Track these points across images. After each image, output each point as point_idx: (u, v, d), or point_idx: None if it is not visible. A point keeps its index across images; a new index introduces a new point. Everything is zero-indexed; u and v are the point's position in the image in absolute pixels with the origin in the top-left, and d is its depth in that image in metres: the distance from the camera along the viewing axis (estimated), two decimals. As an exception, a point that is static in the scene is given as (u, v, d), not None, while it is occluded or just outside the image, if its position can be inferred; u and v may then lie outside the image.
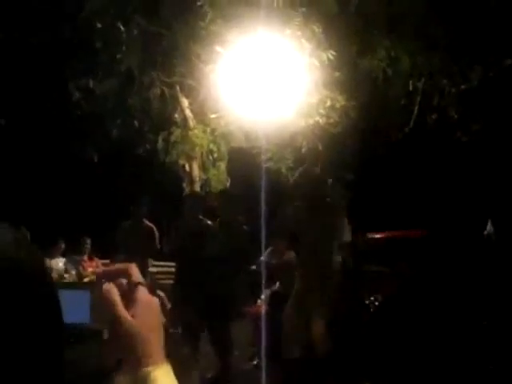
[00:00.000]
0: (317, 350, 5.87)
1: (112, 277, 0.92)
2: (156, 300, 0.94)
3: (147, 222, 8.24)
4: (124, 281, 0.92)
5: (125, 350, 0.88)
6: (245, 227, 6.66)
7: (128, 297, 0.90)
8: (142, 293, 0.91)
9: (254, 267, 7.51)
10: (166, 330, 0.95)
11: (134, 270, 0.93)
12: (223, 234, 6.47)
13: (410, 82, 9.37)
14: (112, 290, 0.89)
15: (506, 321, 6.54)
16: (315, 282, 5.97)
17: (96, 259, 10.54)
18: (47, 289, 0.86)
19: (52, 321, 0.84)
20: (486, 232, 7.59)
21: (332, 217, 6.16)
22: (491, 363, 6.26)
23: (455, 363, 6.30)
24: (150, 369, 0.87)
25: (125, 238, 7.93)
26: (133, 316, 0.89)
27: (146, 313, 0.90)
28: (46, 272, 0.88)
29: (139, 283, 0.92)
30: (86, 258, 10.40)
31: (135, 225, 8.12)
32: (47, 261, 9.76)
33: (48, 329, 0.83)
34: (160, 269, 10.44)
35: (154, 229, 8.23)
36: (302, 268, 6.26)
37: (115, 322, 0.88)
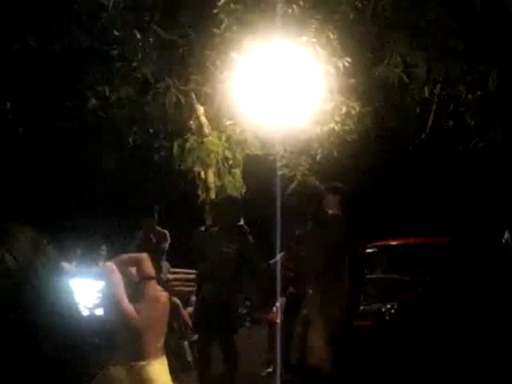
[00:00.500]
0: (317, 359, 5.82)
1: (123, 265, 0.91)
2: (164, 295, 0.93)
3: (160, 229, 8.31)
4: (135, 271, 0.92)
5: (122, 342, 0.88)
6: (247, 234, 6.61)
7: (135, 289, 0.90)
8: (151, 286, 0.91)
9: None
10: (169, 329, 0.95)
11: (146, 262, 0.93)
12: (224, 239, 6.45)
13: (426, 88, 9.32)
14: (118, 281, 0.89)
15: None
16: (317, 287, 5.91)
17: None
18: (60, 289, 0.88)
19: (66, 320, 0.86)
20: (503, 240, 7.52)
21: (328, 225, 6.06)
22: (509, 370, 6.19)
23: (472, 370, 6.25)
24: (144, 363, 0.87)
25: (139, 248, 7.95)
26: (136, 309, 0.89)
27: (151, 307, 0.90)
28: (59, 271, 0.91)
29: (149, 277, 0.91)
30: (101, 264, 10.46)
31: (149, 233, 8.18)
32: (65, 265, 9.83)
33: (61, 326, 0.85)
34: (176, 276, 10.44)
35: (167, 234, 8.32)
36: (305, 273, 6.19)
37: (117, 313, 0.88)
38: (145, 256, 0.93)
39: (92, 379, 0.88)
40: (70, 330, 0.87)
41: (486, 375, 6.17)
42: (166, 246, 8.28)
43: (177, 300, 9.44)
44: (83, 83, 10.01)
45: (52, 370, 0.83)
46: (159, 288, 0.92)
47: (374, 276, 8.05)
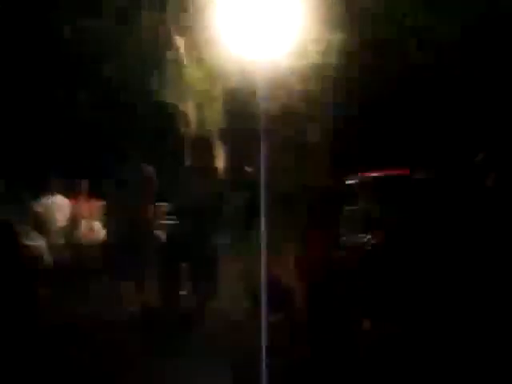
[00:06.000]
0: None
1: None
2: None
3: (146, 166, 8.03)
4: None
5: None
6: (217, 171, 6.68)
7: None
8: None
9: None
10: None
11: None
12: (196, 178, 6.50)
13: (409, 18, 9.19)
14: None
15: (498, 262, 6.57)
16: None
17: (93, 200, 10.49)
18: None
19: None
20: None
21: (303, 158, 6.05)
22: (486, 305, 6.31)
23: (448, 302, 6.37)
24: None
25: (123, 181, 7.82)
26: None
27: None
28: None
29: None
30: (81, 199, 10.35)
31: (134, 168, 7.94)
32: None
33: None
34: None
35: (153, 171, 8.04)
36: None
37: None
38: None
39: None
40: None
41: (469, 304, 6.28)
42: (152, 185, 7.92)
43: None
44: (57, 15, 9.71)
45: None
46: None
47: (356, 207, 8.12)
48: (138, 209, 7.41)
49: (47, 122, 12.70)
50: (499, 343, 5.21)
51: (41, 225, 8.57)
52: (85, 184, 10.35)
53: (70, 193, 10.27)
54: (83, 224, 9.46)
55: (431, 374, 4.72)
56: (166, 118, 10.30)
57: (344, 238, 7.32)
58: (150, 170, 8.03)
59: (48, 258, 8.08)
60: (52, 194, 10.00)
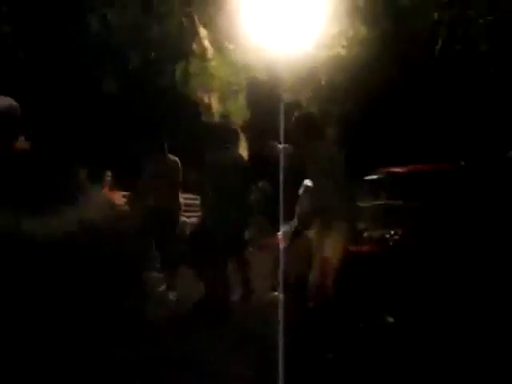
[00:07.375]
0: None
1: None
2: None
3: (171, 156, 8.01)
4: None
5: None
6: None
7: None
8: None
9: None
10: None
11: None
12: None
13: (435, 12, 9.07)
14: None
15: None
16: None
17: (118, 191, 10.54)
18: None
19: None
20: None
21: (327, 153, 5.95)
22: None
23: (476, 293, 6.30)
24: None
25: (152, 172, 7.82)
26: None
27: None
28: None
29: None
30: (106, 189, 10.42)
31: (160, 159, 7.91)
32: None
33: None
34: (186, 201, 10.39)
35: (179, 162, 8.00)
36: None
37: None
38: None
39: None
40: None
41: (492, 300, 6.22)
42: (178, 176, 7.93)
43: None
44: (85, 7, 9.76)
45: None
46: None
47: (378, 202, 8.05)
48: (165, 198, 7.40)
49: (74, 111, 12.81)
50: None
51: None
52: (108, 175, 10.43)
53: (95, 182, 10.36)
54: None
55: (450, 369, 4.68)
56: (189, 108, 10.32)
57: (368, 233, 7.27)
58: (175, 159, 8.00)
59: None
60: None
